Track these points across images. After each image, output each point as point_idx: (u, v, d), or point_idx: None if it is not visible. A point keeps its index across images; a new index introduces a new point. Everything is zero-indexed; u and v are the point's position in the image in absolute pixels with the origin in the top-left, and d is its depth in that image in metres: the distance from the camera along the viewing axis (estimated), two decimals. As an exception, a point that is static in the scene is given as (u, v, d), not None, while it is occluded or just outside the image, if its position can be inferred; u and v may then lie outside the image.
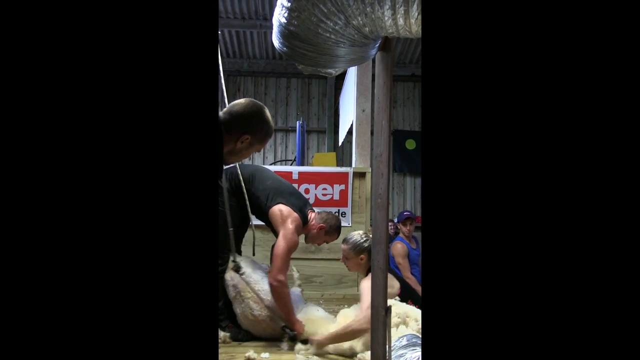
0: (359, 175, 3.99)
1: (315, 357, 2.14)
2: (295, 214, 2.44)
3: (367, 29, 1.25)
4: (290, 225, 2.38)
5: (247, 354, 2.15)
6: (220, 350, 2.27)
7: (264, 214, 2.54)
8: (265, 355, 2.18)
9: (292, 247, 2.38)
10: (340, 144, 7.32)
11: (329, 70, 1.49)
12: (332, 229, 2.57)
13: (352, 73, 4.82)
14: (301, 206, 2.54)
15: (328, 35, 1.28)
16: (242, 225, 2.67)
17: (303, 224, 2.51)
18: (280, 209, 2.43)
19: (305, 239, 2.65)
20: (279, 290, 2.29)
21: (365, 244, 2.31)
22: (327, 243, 2.70)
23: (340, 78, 6.93)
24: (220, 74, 2.66)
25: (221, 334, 2.38)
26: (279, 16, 1.32)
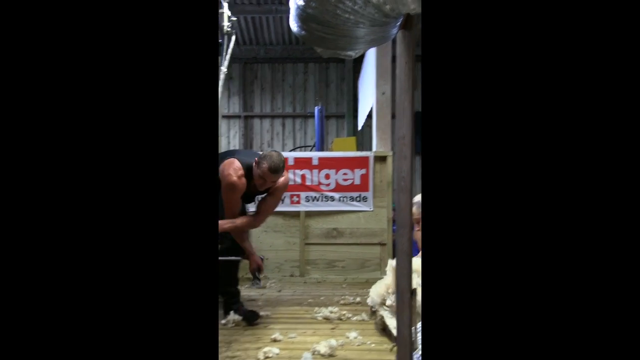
0: (380, 159, 3.97)
1: (333, 341, 2.15)
2: (233, 159, 2.45)
3: (387, 6, 1.23)
4: (226, 172, 2.40)
5: (273, 336, 2.19)
6: (246, 332, 2.32)
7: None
8: (292, 335, 2.22)
9: (228, 187, 2.40)
10: (359, 128, 7.27)
11: (349, 53, 1.47)
12: (261, 159, 2.40)
13: (371, 55, 4.76)
14: (250, 157, 2.50)
15: (347, 16, 1.27)
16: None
17: (250, 169, 2.45)
18: (222, 164, 2.46)
19: (254, 186, 2.52)
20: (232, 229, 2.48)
21: None
22: (273, 183, 2.48)
23: (359, 61, 6.86)
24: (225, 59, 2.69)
25: (235, 317, 2.49)
26: (297, -1, 1.31)
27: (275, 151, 2.48)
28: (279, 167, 2.38)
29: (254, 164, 2.43)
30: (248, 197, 2.67)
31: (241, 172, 2.41)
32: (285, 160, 2.50)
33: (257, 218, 2.59)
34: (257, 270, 2.57)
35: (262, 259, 2.65)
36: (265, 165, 2.36)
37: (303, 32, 1.43)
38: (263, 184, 2.44)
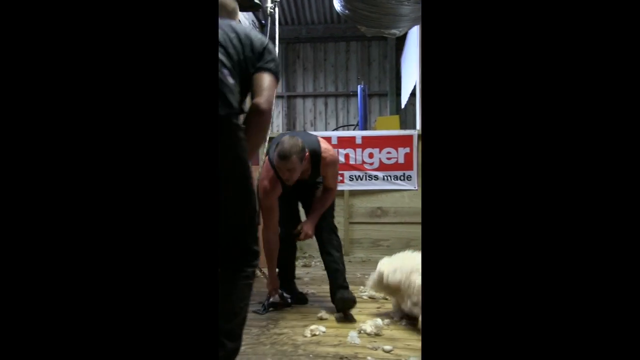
0: (424, 137, 3.90)
1: (376, 322, 2.17)
2: (267, 160, 2.39)
3: (433, -17, 1.19)
4: (260, 177, 2.37)
5: (319, 314, 2.23)
6: (292, 310, 2.37)
7: None
8: (338, 315, 2.26)
9: (260, 191, 2.34)
10: (403, 106, 7.16)
11: (393, 31, 1.45)
12: (276, 147, 2.27)
13: (414, 32, 4.64)
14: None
15: (392, -7, 1.24)
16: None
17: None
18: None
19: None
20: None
21: None
22: (289, 172, 2.23)
23: (401, 38, 6.71)
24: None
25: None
26: (340, -23, 1.29)
27: (291, 136, 2.27)
28: (286, 153, 2.15)
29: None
30: (300, 189, 2.51)
31: (271, 172, 2.30)
32: (318, 139, 2.38)
33: (327, 200, 2.49)
34: (268, 299, 2.43)
35: (284, 298, 2.48)
36: (276, 153, 2.21)
37: (347, 11, 1.42)
38: (284, 174, 2.25)
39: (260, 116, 1.36)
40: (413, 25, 1.41)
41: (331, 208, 2.55)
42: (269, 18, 2.78)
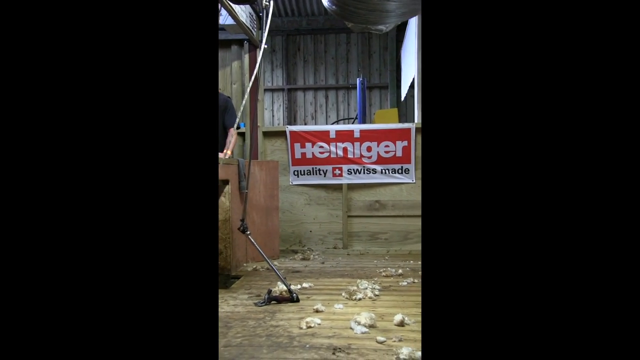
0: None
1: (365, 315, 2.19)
2: None
3: (417, -20, 1.20)
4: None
5: (315, 307, 2.26)
6: (290, 303, 2.40)
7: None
8: (334, 306, 2.29)
9: None
10: (402, 99, 7.15)
11: (380, 27, 1.46)
12: None
13: (413, 24, 4.63)
14: None
15: (377, -10, 1.25)
16: None
17: None
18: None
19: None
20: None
21: None
22: None
23: (402, 30, 6.69)
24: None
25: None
26: (327, -26, 1.30)
27: None
28: None
29: None
30: None
31: None
32: None
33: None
34: (269, 292, 2.48)
35: (291, 294, 2.47)
36: None
37: (334, 7, 1.43)
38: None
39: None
40: (400, 21, 1.41)
41: None
42: (264, 11, 2.78)
